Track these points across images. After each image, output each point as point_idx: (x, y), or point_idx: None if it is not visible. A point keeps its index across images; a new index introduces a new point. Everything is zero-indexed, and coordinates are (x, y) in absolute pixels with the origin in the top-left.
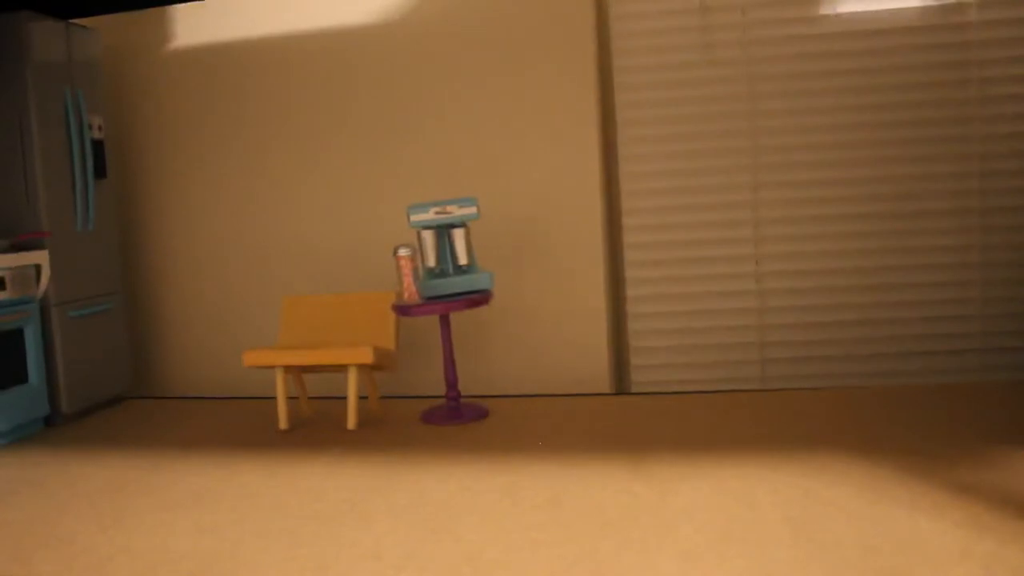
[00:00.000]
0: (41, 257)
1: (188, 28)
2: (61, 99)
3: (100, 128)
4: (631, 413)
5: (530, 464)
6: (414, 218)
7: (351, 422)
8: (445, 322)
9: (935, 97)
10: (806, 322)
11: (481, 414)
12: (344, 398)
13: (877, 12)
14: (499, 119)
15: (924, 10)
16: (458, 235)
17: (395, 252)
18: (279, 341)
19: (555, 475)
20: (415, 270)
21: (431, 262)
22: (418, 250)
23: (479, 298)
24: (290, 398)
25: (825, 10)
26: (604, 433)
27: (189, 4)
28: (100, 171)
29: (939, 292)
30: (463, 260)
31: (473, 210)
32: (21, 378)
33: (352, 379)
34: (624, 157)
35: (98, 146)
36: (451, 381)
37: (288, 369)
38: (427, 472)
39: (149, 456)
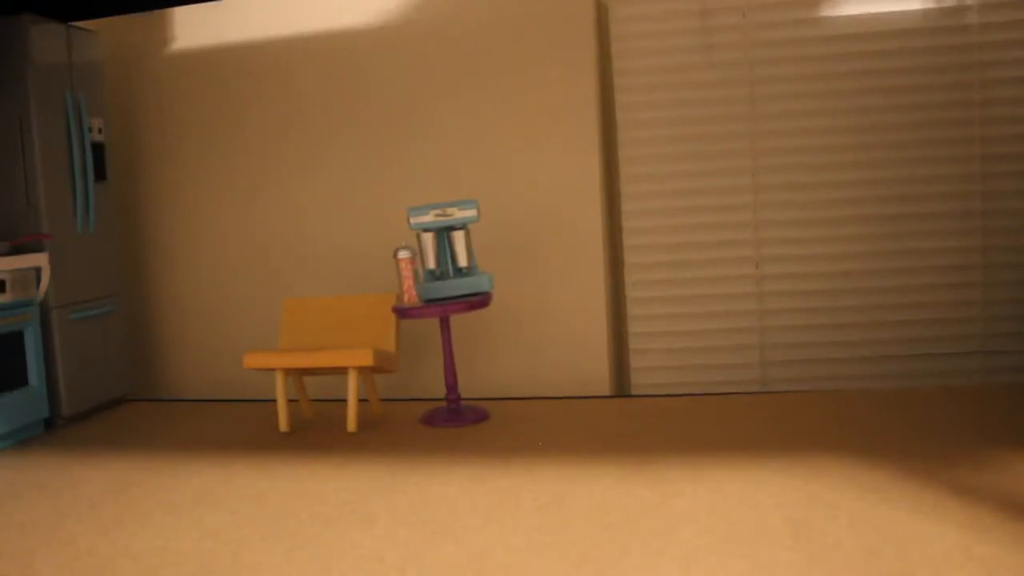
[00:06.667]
0: (41, 259)
1: (189, 31)
2: (62, 101)
3: (100, 130)
4: (631, 415)
5: (531, 466)
6: (414, 220)
7: (351, 424)
8: (445, 324)
9: (937, 100)
10: (807, 324)
11: (481, 416)
12: (344, 400)
13: (878, 15)
14: (500, 121)
15: (926, 13)
16: (458, 237)
17: (395, 254)
18: (280, 343)
19: (556, 477)
20: (415, 272)
21: (431, 264)
22: (418, 252)
23: (479, 300)
24: (290, 400)
25: (826, 12)
26: (605, 435)
27: (190, 7)
28: (100, 173)
29: (941, 294)
30: (463, 262)
31: (473, 212)
32: (21, 380)
33: (352, 381)
34: (624, 159)
35: (98, 148)
36: (451, 383)
37: (288, 371)
38: (428, 474)
39: (150, 458)
